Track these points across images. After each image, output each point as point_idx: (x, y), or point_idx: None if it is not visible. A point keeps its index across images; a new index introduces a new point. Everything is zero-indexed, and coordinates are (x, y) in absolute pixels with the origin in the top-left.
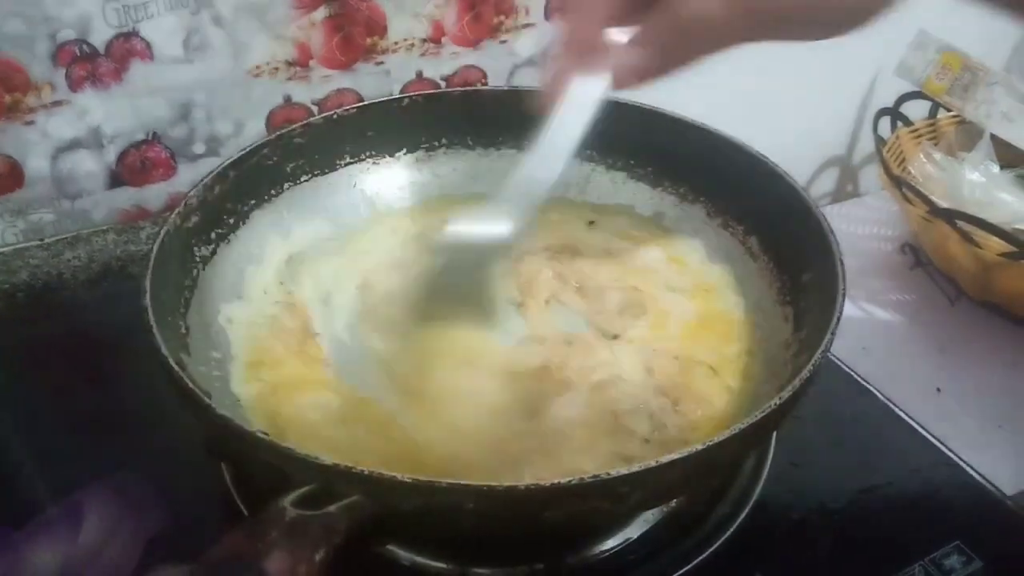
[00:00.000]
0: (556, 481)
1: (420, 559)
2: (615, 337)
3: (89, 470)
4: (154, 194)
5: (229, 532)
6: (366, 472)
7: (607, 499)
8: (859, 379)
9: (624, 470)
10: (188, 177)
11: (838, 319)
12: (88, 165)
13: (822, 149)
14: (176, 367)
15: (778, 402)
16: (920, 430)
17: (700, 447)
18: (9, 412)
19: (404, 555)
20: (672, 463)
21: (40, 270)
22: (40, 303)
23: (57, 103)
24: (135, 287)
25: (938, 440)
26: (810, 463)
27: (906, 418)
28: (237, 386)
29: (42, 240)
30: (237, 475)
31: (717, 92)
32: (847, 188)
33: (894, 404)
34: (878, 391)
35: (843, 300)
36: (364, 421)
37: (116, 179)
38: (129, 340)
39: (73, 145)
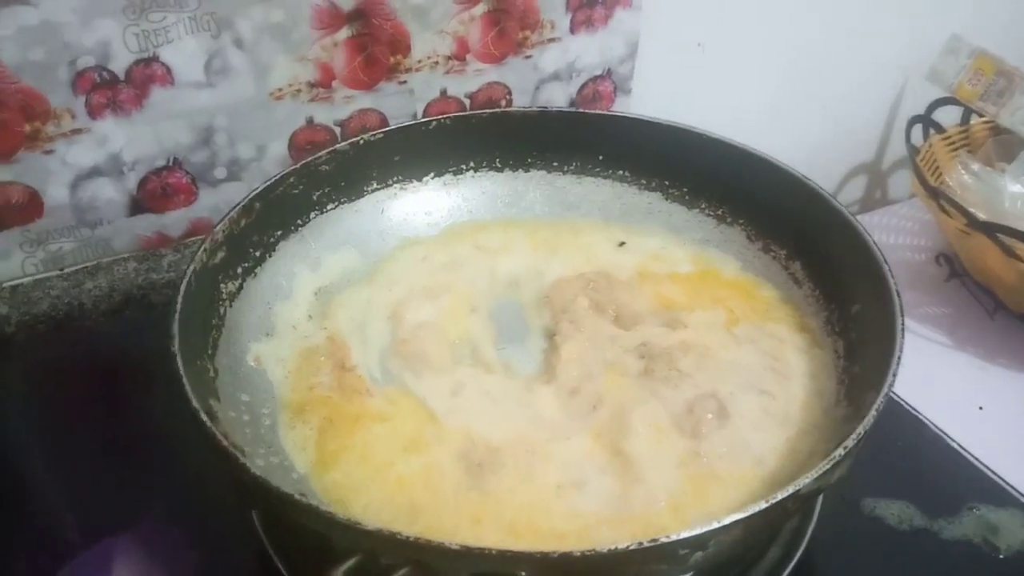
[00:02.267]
0: (614, 547)
1: None
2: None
3: (117, 510)
4: (175, 220)
5: None
6: (412, 539)
7: (667, 561)
8: (908, 407)
9: (685, 533)
10: (209, 202)
11: (899, 358)
12: (108, 193)
13: (850, 156)
14: (208, 422)
15: (829, 464)
16: (975, 462)
17: (763, 506)
18: (32, 443)
19: None
20: (735, 523)
21: (61, 300)
22: (61, 333)
23: (77, 131)
24: (157, 316)
25: (995, 473)
26: (863, 499)
27: (959, 449)
28: (281, 431)
29: (62, 270)
30: (267, 522)
31: (744, 98)
32: (876, 195)
33: (947, 434)
34: (929, 420)
35: (903, 337)
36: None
37: (137, 206)
38: (152, 370)
39: (93, 173)
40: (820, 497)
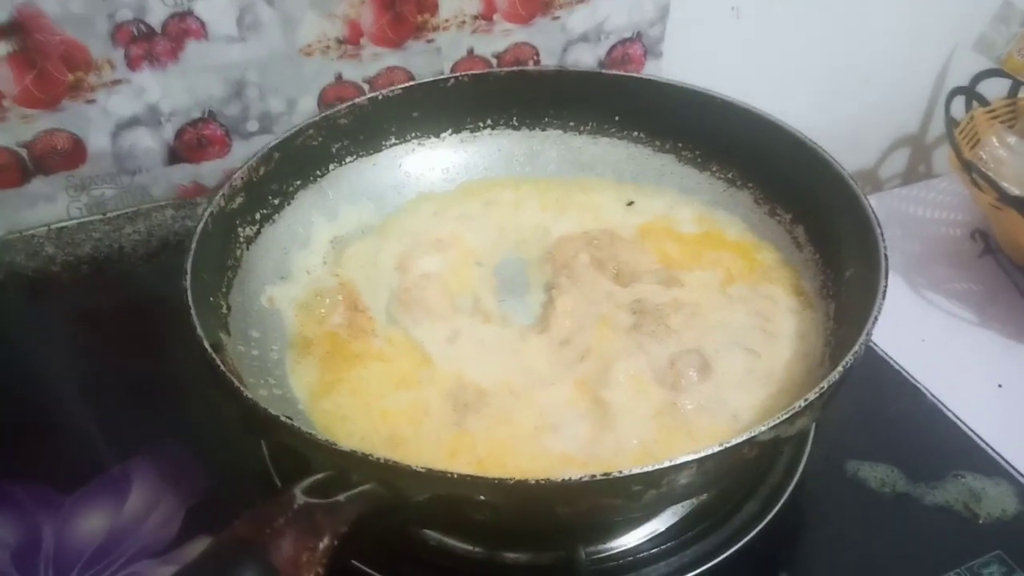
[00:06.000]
0: (567, 477)
1: (448, 540)
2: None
3: (139, 436)
4: (210, 170)
5: (239, 517)
6: (381, 460)
7: (620, 497)
8: (908, 376)
9: (637, 468)
10: (242, 154)
11: (875, 319)
12: (147, 142)
13: (894, 128)
14: (210, 349)
15: (787, 415)
16: (969, 432)
17: (716, 449)
18: (70, 379)
19: (432, 536)
20: (687, 463)
21: (102, 243)
22: (102, 275)
23: (116, 82)
24: (185, 254)
25: (987, 443)
26: (847, 461)
27: (954, 419)
28: (287, 365)
29: (104, 214)
30: (272, 450)
31: (781, 66)
32: (919, 169)
33: (943, 404)
34: (927, 389)
35: (883, 299)
36: (422, 383)
37: (174, 156)
38: (183, 311)
39: (132, 123)
40: (805, 456)
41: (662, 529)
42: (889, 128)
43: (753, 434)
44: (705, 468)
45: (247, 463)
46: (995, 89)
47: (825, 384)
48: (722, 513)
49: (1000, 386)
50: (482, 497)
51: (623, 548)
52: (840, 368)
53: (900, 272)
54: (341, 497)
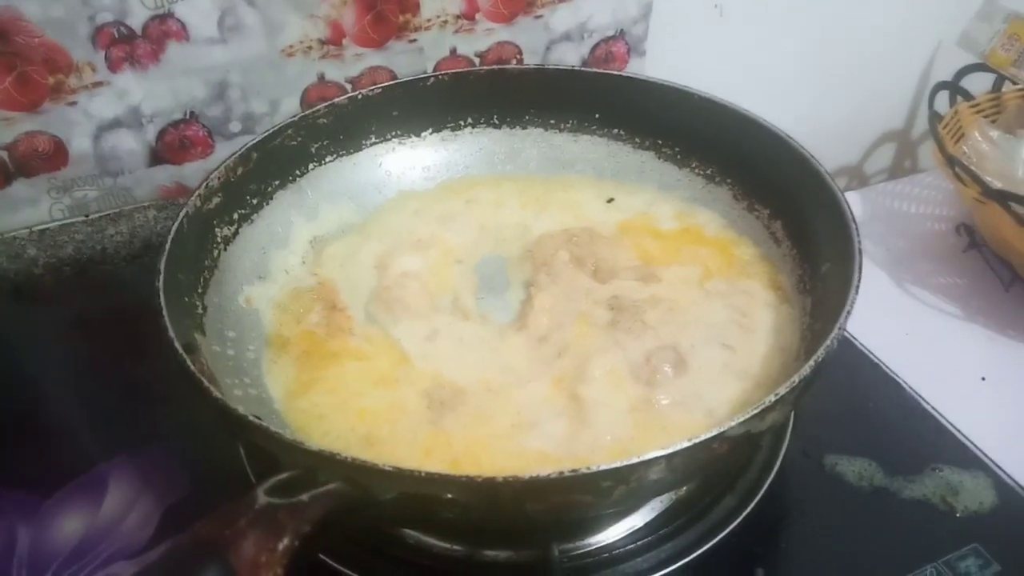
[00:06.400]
0: (535, 474)
1: (426, 538)
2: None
3: (118, 438)
4: (193, 171)
5: (200, 518)
6: (347, 459)
7: (589, 493)
8: (887, 369)
9: (605, 465)
10: (225, 154)
11: (848, 312)
12: (129, 144)
13: (880, 123)
14: (181, 350)
15: (756, 409)
16: (947, 425)
17: (685, 444)
18: (50, 381)
19: (410, 534)
20: (656, 459)
21: (85, 245)
22: (84, 277)
23: (98, 84)
24: (159, 254)
25: (965, 436)
26: (825, 455)
27: (933, 412)
28: (264, 365)
29: (87, 216)
30: (248, 450)
31: (765, 62)
32: (905, 164)
33: (922, 398)
34: (906, 383)
35: (855, 294)
36: (399, 382)
37: (156, 157)
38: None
39: (114, 124)
40: (783, 451)
41: (640, 524)
42: (875, 124)
43: (722, 429)
44: (674, 464)
45: (225, 464)
46: (979, 84)
47: (796, 379)
48: (700, 507)
49: (983, 379)
50: (450, 495)
51: (601, 544)
52: (812, 362)
53: (884, 267)
54: (305, 496)
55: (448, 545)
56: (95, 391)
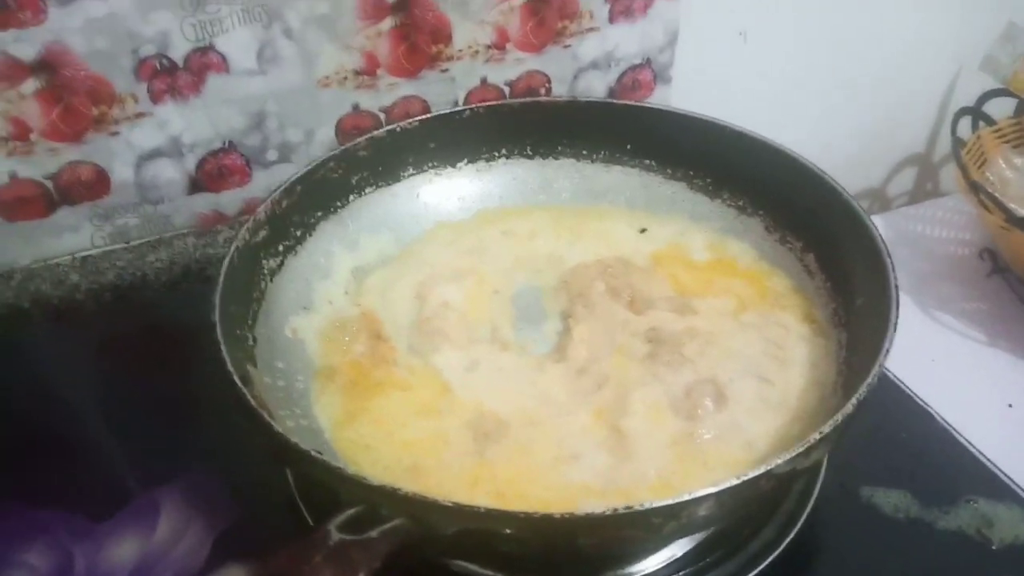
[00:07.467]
0: (591, 512)
1: (472, 567)
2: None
3: (166, 463)
4: (230, 199)
5: (277, 552)
6: (410, 495)
7: (640, 529)
8: (918, 399)
9: (658, 502)
10: (262, 183)
11: (887, 351)
12: (169, 173)
13: (901, 148)
14: (240, 384)
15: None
16: (979, 456)
17: (734, 482)
18: (95, 406)
19: (456, 562)
20: (706, 496)
21: (126, 271)
22: (125, 302)
23: (140, 115)
24: (213, 288)
25: (997, 467)
26: (862, 487)
27: (965, 443)
28: (312, 395)
29: (127, 243)
30: (298, 478)
31: (789, 88)
32: (926, 187)
33: (953, 428)
34: (937, 413)
35: (894, 331)
36: (442, 412)
37: (195, 185)
38: (206, 338)
39: (155, 154)
40: (819, 482)
41: (679, 555)
42: (897, 147)
43: (770, 467)
44: (723, 500)
45: (273, 490)
46: (1001, 109)
47: (839, 417)
48: (738, 539)
49: (1010, 406)
50: (508, 531)
51: (643, 572)
52: (854, 401)
53: (908, 291)
54: (374, 533)
55: (491, 572)
56: (139, 416)
